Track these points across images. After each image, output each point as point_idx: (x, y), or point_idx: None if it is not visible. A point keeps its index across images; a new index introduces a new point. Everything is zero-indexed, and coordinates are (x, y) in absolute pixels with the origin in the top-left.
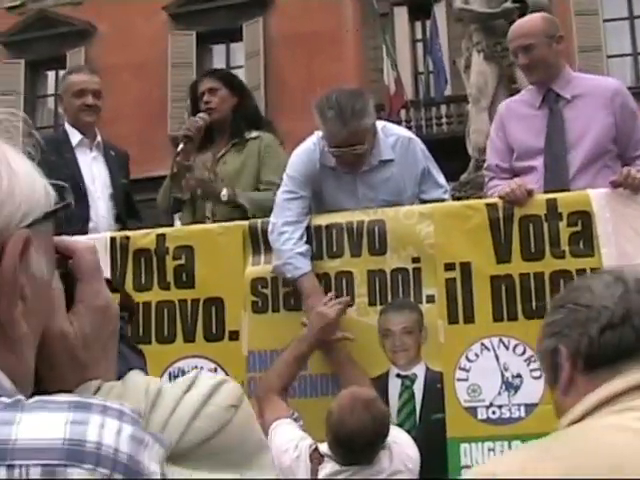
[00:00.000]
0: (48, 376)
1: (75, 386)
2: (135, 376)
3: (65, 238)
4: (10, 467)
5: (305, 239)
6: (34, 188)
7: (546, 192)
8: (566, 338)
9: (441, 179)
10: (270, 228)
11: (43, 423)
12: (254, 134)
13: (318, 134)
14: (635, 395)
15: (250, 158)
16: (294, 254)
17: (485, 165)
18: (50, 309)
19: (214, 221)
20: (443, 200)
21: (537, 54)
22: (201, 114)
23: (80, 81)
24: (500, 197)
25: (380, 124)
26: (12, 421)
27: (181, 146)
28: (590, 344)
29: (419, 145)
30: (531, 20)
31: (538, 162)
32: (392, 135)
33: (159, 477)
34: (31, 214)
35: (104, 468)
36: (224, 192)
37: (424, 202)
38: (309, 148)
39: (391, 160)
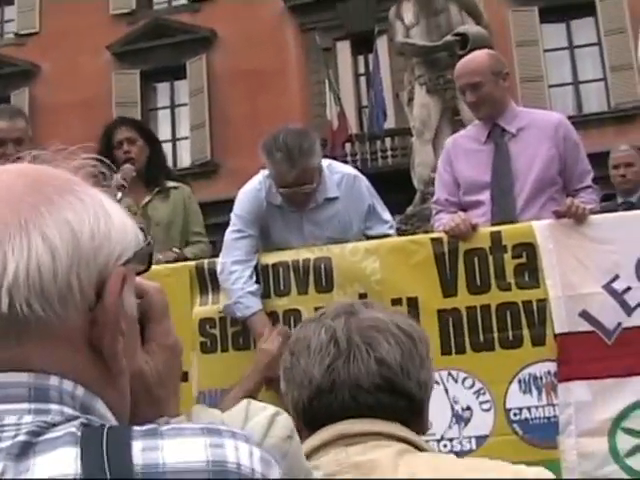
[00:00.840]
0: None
1: (149, 422)
2: (200, 411)
3: (136, 278)
4: None
5: (255, 278)
6: (126, 229)
7: (495, 224)
8: (289, 394)
9: (386, 215)
10: (219, 268)
11: (185, 448)
12: (172, 184)
13: (263, 173)
14: (322, 452)
15: (178, 208)
16: (244, 293)
17: (433, 199)
18: (136, 346)
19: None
20: (388, 235)
21: (484, 92)
22: (128, 165)
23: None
24: (444, 231)
25: (326, 162)
26: (156, 447)
27: (120, 195)
28: (303, 407)
29: (364, 182)
30: (477, 57)
31: (485, 196)
32: (337, 173)
33: None
34: (125, 254)
35: None
36: (175, 250)
37: (370, 238)
38: (255, 187)
39: (336, 198)
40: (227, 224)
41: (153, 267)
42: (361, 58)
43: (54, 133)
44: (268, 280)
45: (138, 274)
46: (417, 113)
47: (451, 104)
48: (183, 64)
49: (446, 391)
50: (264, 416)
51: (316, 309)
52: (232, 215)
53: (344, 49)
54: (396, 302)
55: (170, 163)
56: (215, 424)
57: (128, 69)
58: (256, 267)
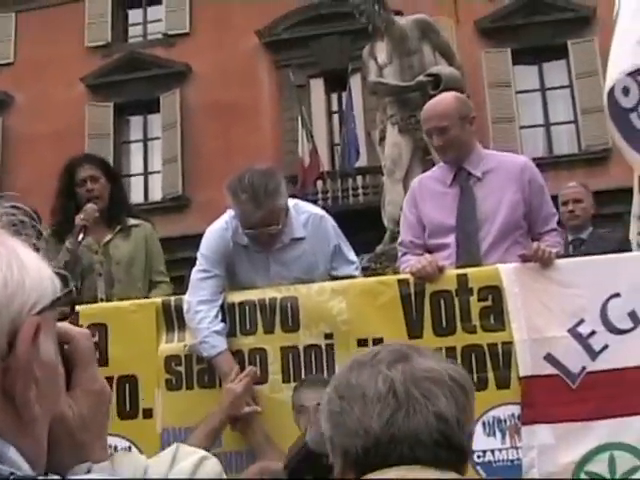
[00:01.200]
0: (47, 456)
1: (71, 466)
2: (122, 456)
3: (62, 324)
4: None
5: (220, 317)
6: (42, 278)
7: (459, 267)
8: (338, 437)
9: (352, 255)
10: (186, 307)
11: None
12: (133, 221)
13: (230, 212)
14: None
15: (139, 245)
16: (210, 332)
17: (399, 240)
18: (57, 391)
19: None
20: (354, 276)
21: (451, 135)
22: (91, 204)
23: None
24: (411, 273)
25: (292, 202)
26: None
27: (82, 236)
28: (356, 456)
29: (330, 222)
30: (445, 101)
31: (450, 239)
32: (304, 213)
33: None
34: (40, 302)
35: None
36: None
37: (335, 278)
38: (222, 227)
39: (303, 238)
40: (197, 259)
41: (119, 303)
42: (334, 96)
43: (26, 163)
44: (234, 319)
45: (61, 320)
46: (388, 152)
47: (422, 144)
48: (157, 98)
49: None
50: (191, 461)
51: (282, 348)
52: (198, 254)
53: (318, 86)
54: (362, 342)
55: (142, 196)
56: (120, 477)
57: (102, 101)
58: (222, 306)
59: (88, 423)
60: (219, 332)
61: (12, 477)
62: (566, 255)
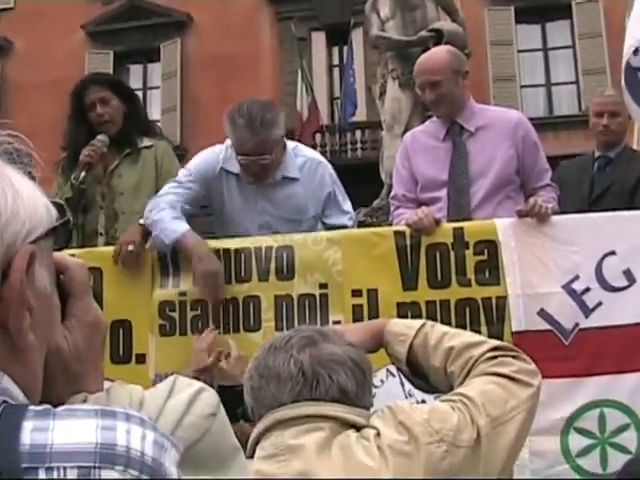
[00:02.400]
0: (42, 388)
1: (66, 398)
2: (118, 387)
3: (57, 254)
4: (49, 469)
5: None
6: (36, 206)
7: (451, 221)
8: (257, 408)
9: (347, 206)
10: (149, 207)
11: (76, 429)
12: (147, 142)
13: (228, 142)
14: (266, 436)
15: (147, 170)
16: (170, 219)
17: (391, 194)
18: (53, 321)
19: (111, 237)
20: (346, 227)
21: (444, 90)
22: (101, 137)
23: None
24: (407, 225)
25: (292, 144)
26: (47, 428)
27: (83, 174)
28: None
29: (328, 169)
30: (437, 55)
31: (442, 193)
32: (301, 156)
33: (177, 477)
34: (35, 231)
35: (133, 470)
36: (142, 221)
37: (327, 227)
38: (214, 151)
39: (296, 179)
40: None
41: (114, 248)
42: (336, 49)
43: (24, 110)
44: (229, 265)
45: (58, 250)
46: (388, 107)
47: (422, 99)
48: (157, 47)
49: (402, 384)
50: (187, 393)
51: (276, 297)
52: (181, 170)
53: (319, 40)
54: (356, 293)
55: None
56: (111, 406)
57: (102, 49)
58: (217, 252)
59: (83, 354)
60: (179, 217)
61: (4, 405)
62: (589, 175)
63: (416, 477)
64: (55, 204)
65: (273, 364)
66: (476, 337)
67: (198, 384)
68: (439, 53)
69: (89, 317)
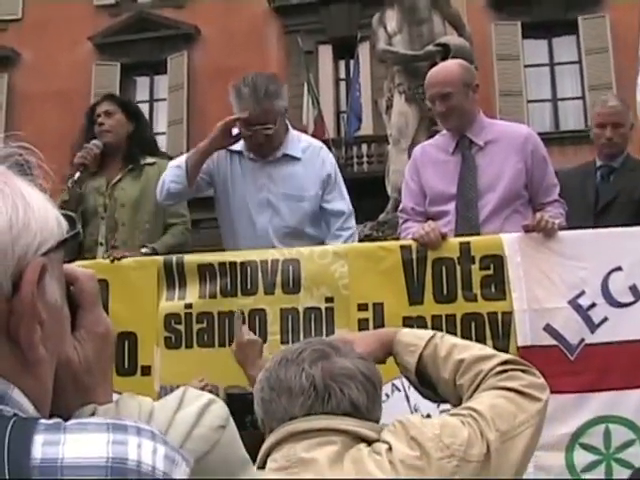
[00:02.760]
0: (52, 399)
1: (76, 409)
2: (127, 398)
3: (66, 265)
4: None
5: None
6: (47, 219)
7: (459, 235)
8: (268, 420)
9: (346, 194)
10: (159, 187)
11: (86, 443)
12: (150, 160)
13: None
14: (277, 449)
15: (149, 185)
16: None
17: (400, 207)
18: (63, 334)
19: (110, 247)
20: (343, 213)
21: (454, 102)
22: (95, 141)
23: None
24: (414, 239)
25: (296, 132)
26: (57, 441)
27: (78, 174)
28: None
29: (330, 155)
30: (449, 68)
31: (450, 207)
32: (305, 141)
33: None
34: (46, 243)
35: None
36: (144, 250)
37: (326, 213)
38: None
39: (297, 158)
40: (200, 221)
41: (120, 262)
42: (342, 63)
43: (31, 121)
44: (235, 278)
45: (68, 262)
46: (395, 121)
47: (429, 114)
48: (164, 59)
49: (407, 398)
50: (197, 405)
51: (282, 310)
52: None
53: (326, 53)
54: (362, 307)
55: None
56: (122, 420)
57: (109, 61)
58: (223, 265)
59: (93, 366)
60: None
61: (15, 419)
62: (593, 184)
63: None
64: (65, 216)
65: (285, 377)
66: (486, 350)
67: (208, 396)
68: (451, 66)
69: (99, 328)
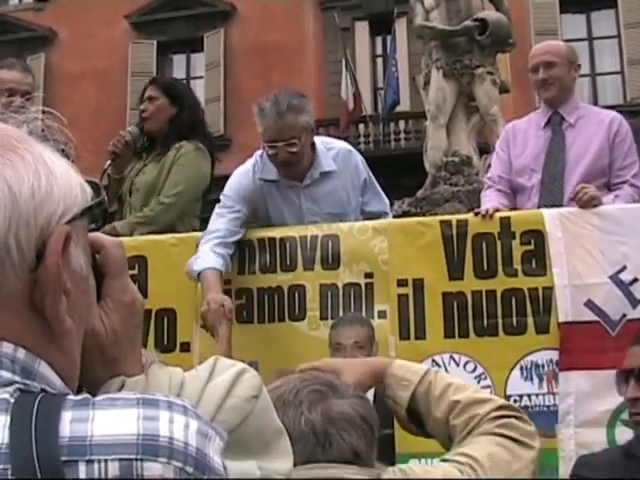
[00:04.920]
0: (79, 372)
1: (104, 382)
2: (157, 370)
3: (92, 233)
4: (89, 462)
5: (230, 251)
6: (71, 186)
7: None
8: None
9: (381, 191)
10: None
11: (116, 420)
12: (179, 144)
13: (258, 152)
14: None
15: (164, 170)
16: (209, 250)
17: (487, 175)
18: (89, 304)
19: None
20: (387, 214)
21: (557, 72)
22: (129, 128)
23: (9, 79)
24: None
25: (319, 139)
26: (86, 418)
27: (108, 162)
28: None
29: (359, 157)
30: (556, 43)
31: (535, 180)
32: (332, 148)
33: (222, 467)
34: (69, 211)
35: (177, 461)
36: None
37: (366, 216)
38: (247, 168)
39: (333, 172)
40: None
41: (160, 236)
42: (379, 39)
43: (68, 100)
44: (275, 254)
45: (92, 230)
46: (432, 97)
47: (467, 89)
48: (201, 37)
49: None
50: (228, 375)
51: (321, 285)
52: (221, 196)
53: (363, 30)
54: (402, 283)
55: None
56: (153, 394)
57: (145, 39)
58: (262, 240)
59: (120, 336)
60: (218, 254)
61: (42, 395)
62: None
63: None
64: (90, 183)
65: (282, 421)
66: (481, 393)
67: (240, 365)
68: (558, 43)
69: (126, 297)
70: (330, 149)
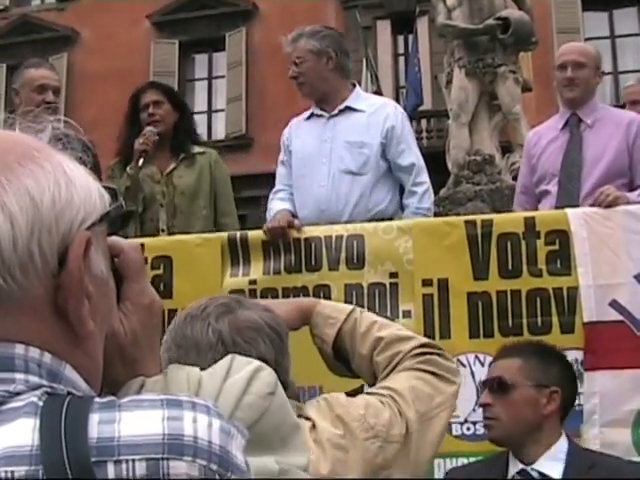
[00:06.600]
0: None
1: (124, 382)
2: (175, 369)
3: (111, 237)
4: (117, 462)
5: (290, 196)
6: (90, 193)
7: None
8: None
9: (415, 147)
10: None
11: (142, 420)
12: (198, 149)
13: None
14: None
15: (203, 174)
16: (272, 200)
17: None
18: (111, 307)
19: (170, 233)
20: (414, 165)
21: (585, 74)
22: (150, 128)
23: (41, 76)
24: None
25: (368, 93)
26: (113, 420)
27: (141, 160)
28: None
29: (398, 109)
30: (588, 45)
31: (554, 184)
32: (375, 100)
33: (244, 464)
34: (89, 217)
35: (202, 459)
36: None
37: (396, 167)
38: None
39: (361, 110)
40: (259, 198)
41: (185, 236)
42: (401, 38)
43: (91, 100)
44: (300, 254)
45: (111, 234)
46: (455, 96)
47: (489, 88)
48: (222, 36)
49: (472, 374)
50: (245, 373)
51: (346, 286)
52: None
53: (384, 28)
54: (427, 283)
55: (205, 135)
56: (176, 395)
57: (167, 39)
58: (287, 240)
59: (139, 338)
60: (282, 198)
61: (70, 397)
62: None
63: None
64: (107, 188)
65: (191, 334)
66: (405, 331)
67: (256, 363)
68: (589, 46)
69: (145, 300)
70: (371, 99)
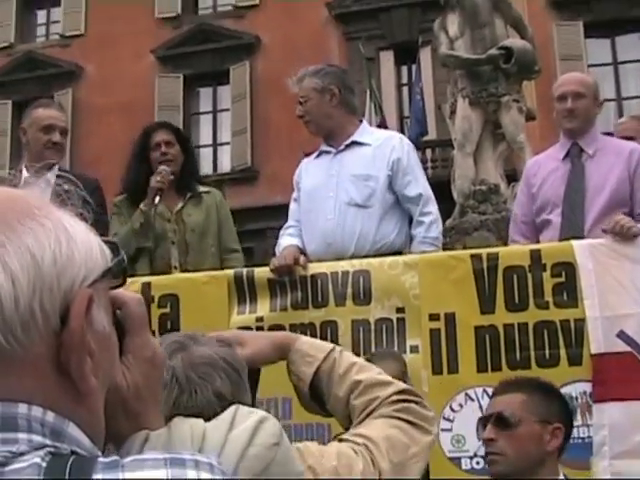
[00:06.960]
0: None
1: (128, 435)
2: (179, 422)
3: (114, 291)
4: None
5: (300, 232)
6: (91, 249)
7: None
8: None
9: (422, 178)
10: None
11: None
12: (203, 189)
13: None
14: None
15: (211, 213)
16: (283, 235)
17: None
18: (113, 361)
19: (183, 270)
20: (421, 196)
21: (584, 104)
22: (164, 167)
23: (49, 116)
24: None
25: (375, 128)
26: None
27: (158, 199)
28: None
29: (405, 141)
30: (586, 76)
31: (557, 212)
32: (382, 133)
33: None
34: (91, 274)
35: None
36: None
37: (404, 199)
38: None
39: (366, 144)
40: (264, 230)
41: (192, 274)
42: (404, 68)
43: (96, 135)
44: (306, 291)
45: (114, 288)
46: (459, 125)
47: (493, 117)
48: (226, 69)
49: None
50: (249, 423)
51: (353, 321)
52: None
53: (387, 59)
54: (434, 317)
55: (211, 168)
56: (180, 453)
57: (171, 73)
58: (294, 277)
59: (142, 391)
60: (291, 234)
61: (73, 458)
62: None
63: None
64: (107, 243)
65: None
66: (384, 376)
67: (260, 413)
68: (587, 76)
69: (147, 353)
70: (378, 133)
